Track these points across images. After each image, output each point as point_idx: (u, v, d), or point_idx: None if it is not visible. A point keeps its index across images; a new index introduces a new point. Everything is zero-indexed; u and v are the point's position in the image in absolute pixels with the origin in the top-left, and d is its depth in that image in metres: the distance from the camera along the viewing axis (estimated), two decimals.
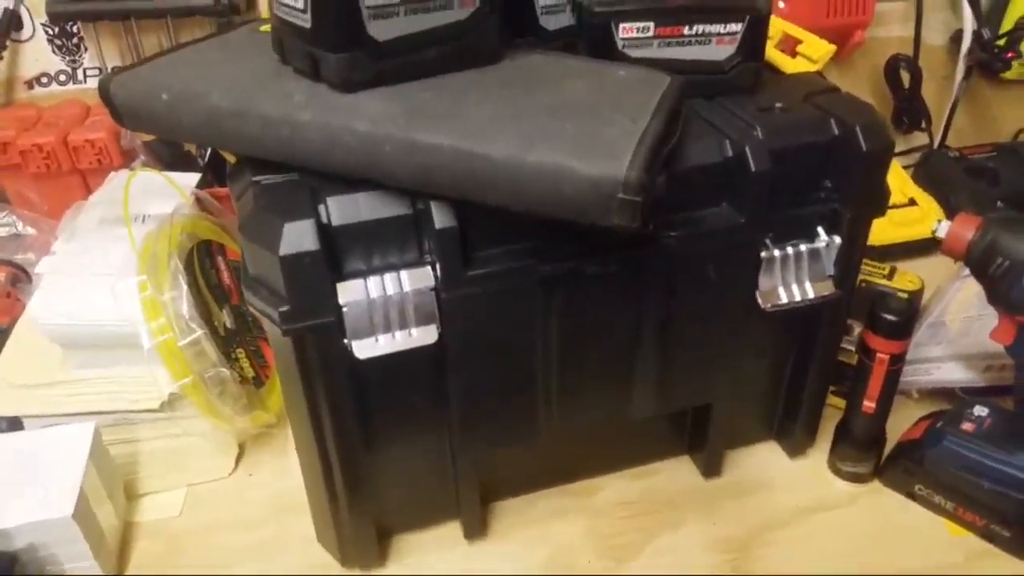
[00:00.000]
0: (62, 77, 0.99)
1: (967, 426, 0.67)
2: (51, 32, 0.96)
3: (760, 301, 0.60)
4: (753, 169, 0.55)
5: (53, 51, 0.97)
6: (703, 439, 0.71)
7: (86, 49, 0.98)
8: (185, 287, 0.66)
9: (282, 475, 0.73)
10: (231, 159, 0.57)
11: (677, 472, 0.73)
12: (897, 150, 0.95)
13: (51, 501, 0.60)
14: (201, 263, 0.73)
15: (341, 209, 0.50)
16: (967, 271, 0.65)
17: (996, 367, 0.76)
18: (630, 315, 0.59)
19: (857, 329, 0.72)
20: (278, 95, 0.51)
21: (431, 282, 0.53)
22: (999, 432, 0.66)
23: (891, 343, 0.65)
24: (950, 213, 0.99)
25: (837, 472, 0.73)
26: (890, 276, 0.78)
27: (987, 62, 1.10)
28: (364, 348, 0.53)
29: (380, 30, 0.50)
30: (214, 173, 0.90)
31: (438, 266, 0.52)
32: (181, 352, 0.65)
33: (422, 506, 0.67)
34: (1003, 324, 0.64)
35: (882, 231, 0.92)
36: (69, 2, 0.93)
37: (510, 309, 0.56)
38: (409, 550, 0.67)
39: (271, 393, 0.77)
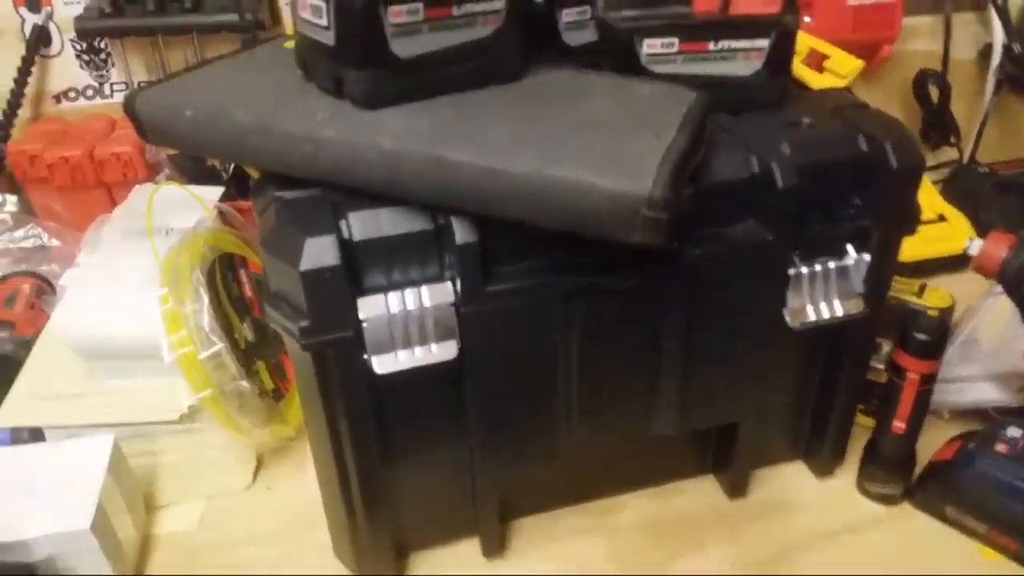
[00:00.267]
0: (89, 92, 1.00)
1: (1000, 447, 0.66)
2: (79, 48, 0.98)
3: (788, 319, 0.59)
4: (780, 185, 0.54)
5: (81, 66, 0.99)
6: (728, 458, 0.69)
7: (113, 64, 0.99)
8: (207, 300, 0.66)
9: (300, 488, 0.72)
10: (254, 174, 0.57)
11: (701, 492, 0.72)
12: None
13: (69, 513, 0.60)
14: (223, 276, 0.73)
15: (362, 224, 0.50)
16: (999, 288, 0.64)
17: None
18: (652, 332, 0.59)
19: (886, 347, 0.71)
20: (301, 112, 0.51)
21: (451, 297, 0.52)
22: None
23: (922, 363, 0.63)
24: (980, 229, 0.98)
25: (866, 493, 0.71)
26: (920, 293, 0.77)
27: (1017, 76, 1.08)
28: (384, 363, 0.52)
29: (403, 47, 0.50)
30: (237, 187, 0.90)
31: (458, 281, 0.52)
32: (201, 365, 0.65)
33: (440, 522, 0.66)
34: None
35: (911, 247, 0.90)
36: (97, 19, 0.94)
37: (530, 325, 0.55)
38: (427, 566, 0.67)
39: (290, 406, 0.76)
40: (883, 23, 0.98)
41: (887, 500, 0.70)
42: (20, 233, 0.91)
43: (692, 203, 0.51)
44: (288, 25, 0.98)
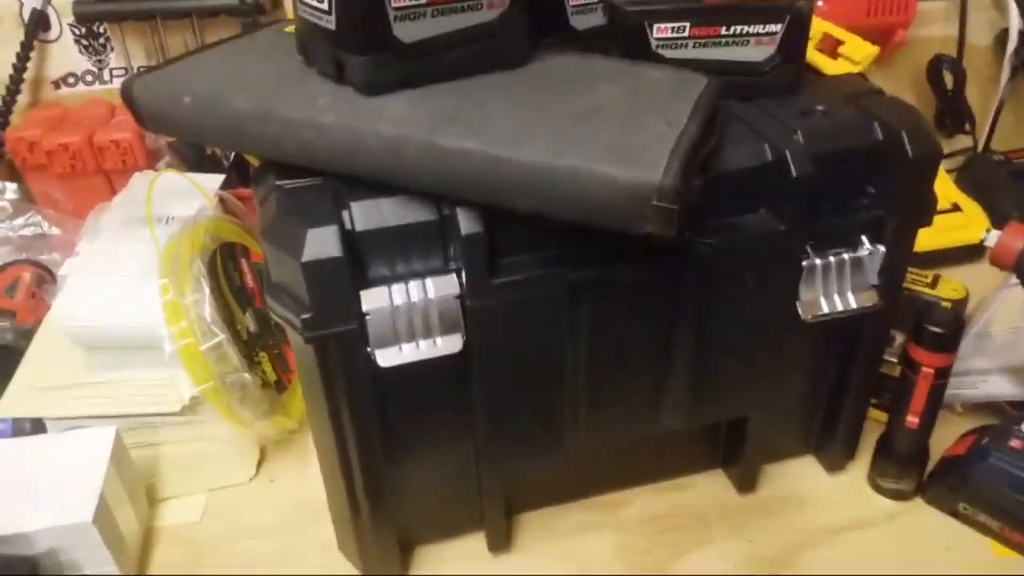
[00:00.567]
0: (88, 77, 0.99)
1: (1015, 443, 0.65)
2: (78, 32, 0.96)
3: (801, 312, 0.58)
4: (794, 174, 0.53)
5: (80, 51, 0.97)
6: (738, 453, 0.68)
7: (112, 49, 0.98)
8: (208, 291, 0.66)
9: (303, 481, 0.72)
10: (255, 162, 0.56)
11: (710, 487, 0.71)
12: None
13: (71, 506, 0.59)
14: (224, 266, 0.72)
15: (365, 215, 0.49)
16: (1014, 279, 0.62)
17: None
18: (662, 325, 0.58)
19: (899, 339, 0.70)
20: (302, 98, 0.50)
21: (456, 290, 0.51)
22: None
23: (937, 356, 0.62)
24: (995, 218, 0.96)
25: (877, 488, 0.70)
26: (933, 284, 0.76)
27: None
28: (387, 357, 0.51)
29: (406, 32, 0.48)
30: (238, 174, 0.89)
31: (463, 273, 0.51)
32: (203, 356, 0.64)
33: (445, 516, 0.66)
34: None
35: (925, 237, 0.88)
36: (96, 2, 0.92)
37: (537, 318, 0.54)
38: (432, 561, 0.66)
39: (293, 398, 0.76)
40: (897, 7, 0.96)
41: (899, 495, 0.69)
42: (20, 221, 0.91)
43: (703, 193, 0.50)
44: (289, 9, 0.97)
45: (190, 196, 0.74)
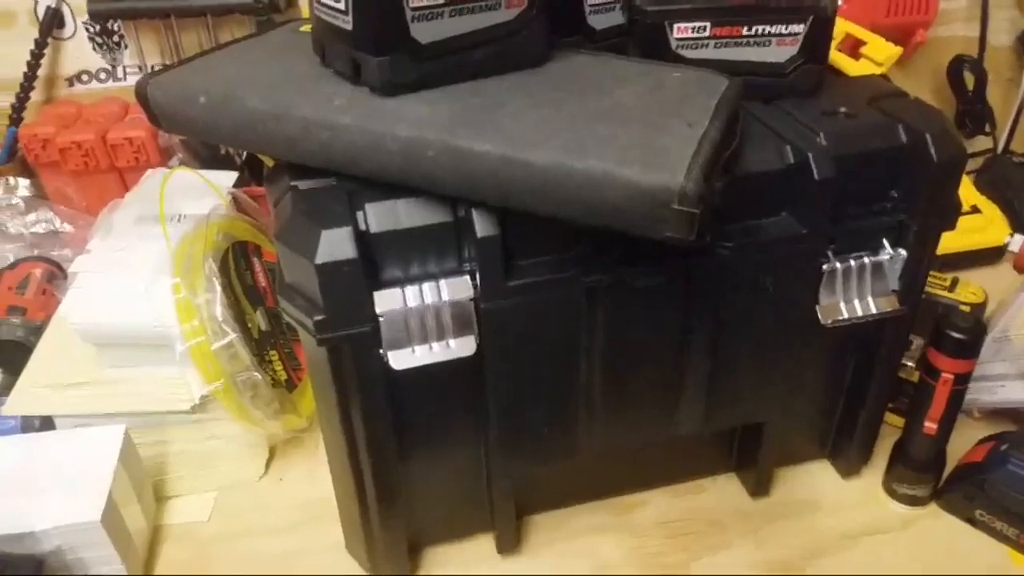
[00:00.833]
0: (102, 75, 0.99)
1: None
2: (92, 30, 0.96)
3: (820, 316, 0.57)
4: (817, 177, 0.52)
5: (94, 48, 0.97)
6: (752, 457, 0.68)
7: (126, 47, 0.98)
8: (219, 289, 0.65)
9: (312, 480, 0.71)
10: (269, 162, 0.56)
11: (723, 490, 0.70)
12: None
13: (79, 505, 0.59)
14: (236, 264, 0.72)
15: (380, 216, 0.49)
16: None
17: None
18: (679, 329, 0.57)
19: (916, 343, 0.69)
20: (318, 98, 0.49)
21: (470, 292, 0.51)
22: None
23: (957, 362, 0.61)
24: (1014, 221, 0.95)
25: (892, 494, 0.69)
26: (952, 288, 0.74)
27: None
28: (400, 359, 0.51)
29: (424, 32, 0.48)
30: (251, 172, 0.89)
31: (478, 276, 0.50)
32: (214, 355, 0.64)
33: (455, 518, 0.65)
34: None
35: (943, 239, 0.88)
36: (110, 0, 0.92)
37: (552, 321, 0.53)
38: (441, 563, 0.66)
39: (303, 396, 0.75)
40: (918, 7, 0.95)
41: (914, 501, 0.68)
42: (32, 217, 0.91)
43: (724, 195, 0.49)
44: (303, 7, 0.96)
45: (203, 194, 0.74)
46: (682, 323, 0.56)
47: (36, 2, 0.93)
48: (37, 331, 0.74)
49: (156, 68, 0.81)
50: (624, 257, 0.52)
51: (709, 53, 0.55)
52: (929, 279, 0.72)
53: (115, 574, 0.61)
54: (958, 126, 1.09)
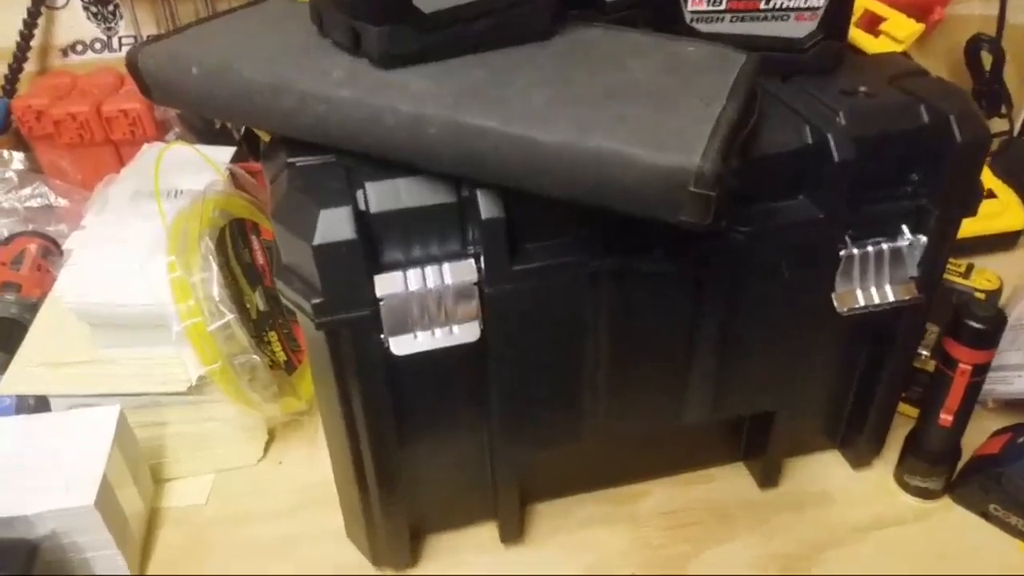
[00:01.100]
0: (97, 45, 0.97)
1: None
2: None
3: (836, 304, 0.55)
4: (836, 158, 0.50)
5: (88, 18, 0.95)
6: (761, 446, 0.66)
7: (121, 17, 0.95)
8: (216, 269, 0.63)
9: (312, 464, 0.70)
10: (265, 137, 0.54)
11: (730, 480, 0.69)
12: None
13: (73, 489, 0.58)
14: (234, 242, 0.70)
15: (380, 195, 0.47)
16: None
17: None
18: (689, 315, 0.55)
19: (931, 331, 0.67)
20: (315, 70, 0.47)
21: (474, 276, 0.49)
22: None
23: (976, 352, 0.59)
24: None
25: (904, 486, 0.68)
26: (967, 274, 0.73)
27: None
28: (402, 345, 0.49)
29: (426, 1, 0.45)
30: (249, 147, 0.87)
31: (482, 259, 0.49)
32: (211, 336, 0.62)
33: (457, 506, 0.64)
34: None
35: None
36: None
37: (559, 306, 0.52)
38: (443, 551, 0.64)
39: (302, 379, 0.74)
40: None
41: (927, 494, 0.67)
42: (27, 191, 0.89)
43: (740, 178, 0.47)
44: None
45: (200, 169, 0.72)
46: (692, 309, 0.55)
47: None
48: (32, 308, 0.73)
49: (150, 38, 0.79)
50: (634, 242, 0.50)
51: (724, 27, 0.53)
52: None
53: (111, 560, 0.60)
54: None
